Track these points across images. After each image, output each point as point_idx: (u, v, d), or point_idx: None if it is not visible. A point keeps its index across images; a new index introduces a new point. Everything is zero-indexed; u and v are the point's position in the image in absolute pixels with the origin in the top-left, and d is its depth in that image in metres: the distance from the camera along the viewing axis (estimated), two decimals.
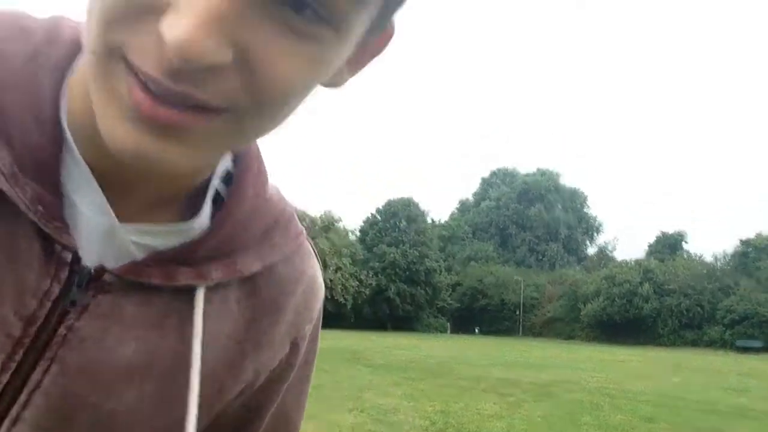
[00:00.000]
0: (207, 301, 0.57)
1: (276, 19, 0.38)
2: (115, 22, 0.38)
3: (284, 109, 0.43)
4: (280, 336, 0.65)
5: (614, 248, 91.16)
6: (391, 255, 61.11)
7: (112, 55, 0.39)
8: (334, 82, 0.48)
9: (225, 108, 0.40)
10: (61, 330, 0.51)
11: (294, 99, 0.43)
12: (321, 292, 0.71)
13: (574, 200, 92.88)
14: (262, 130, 0.45)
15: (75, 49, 0.51)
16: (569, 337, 61.04)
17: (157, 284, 0.54)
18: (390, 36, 0.49)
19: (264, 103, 0.41)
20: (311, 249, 0.70)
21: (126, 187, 0.52)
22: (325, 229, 58.34)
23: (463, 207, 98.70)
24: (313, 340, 0.71)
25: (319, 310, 0.71)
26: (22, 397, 0.50)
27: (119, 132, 0.39)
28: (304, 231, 0.67)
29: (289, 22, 0.39)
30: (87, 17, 0.40)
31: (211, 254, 0.56)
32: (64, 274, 0.50)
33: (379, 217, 65.75)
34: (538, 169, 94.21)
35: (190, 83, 0.38)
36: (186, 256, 0.55)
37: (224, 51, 0.37)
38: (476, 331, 66.88)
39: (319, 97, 0.42)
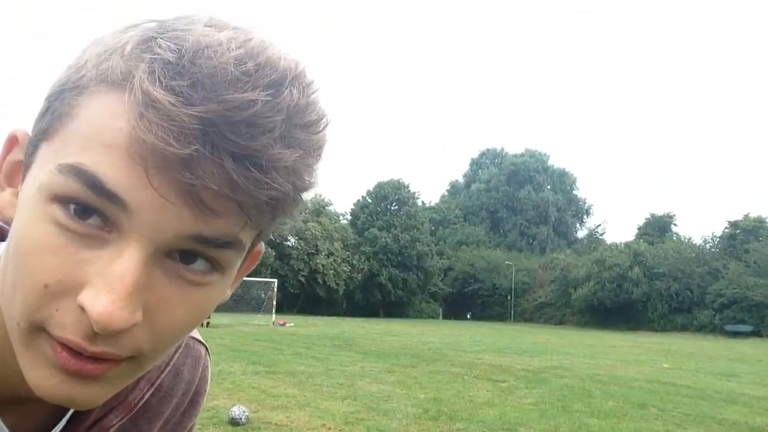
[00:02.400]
0: None
1: (171, 273, 0.44)
2: (37, 305, 0.42)
3: (177, 343, 0.50)
4: None
5: (604, 231, 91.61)
6: (383, 239, 61.01)
7: (35, 328, 0.43)
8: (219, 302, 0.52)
9: (130, 356, 0.45)
10: None
11: (186, 334, 0.48)
12: (207, 387, 0.75)
13: (563, 181, 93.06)
14: (158, 361, 0.50)
15: None
16: (560, 322, 61.35)
17: None
18: (260, 252, 0.55)
19: (162, 346, 0.47)
20: (200, 349, 0.73)
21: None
22: (316, 212, 58.02)
23: (454, 189, 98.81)
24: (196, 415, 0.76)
25: (204, 400, 0.76)
26: None
27: (50, 383, 0.44)
28: (195, 332, 0.69)
29: (182, 274, 0.44)
30: (9, 290, 0.45)
31: (106, 404, 0.60)
32: None
33: (369, 200, 65.51)
34: (527, 150, 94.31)
35: (106, 344, 0.43)
36: (83, 422, 0.59)
37: (137, 314, 0.42)
38: (468, 316, 67.10)
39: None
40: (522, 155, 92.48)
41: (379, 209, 64.33)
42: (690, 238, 66.45)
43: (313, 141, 0.44)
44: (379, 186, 65.22)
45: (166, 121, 0.38)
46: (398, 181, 65.55)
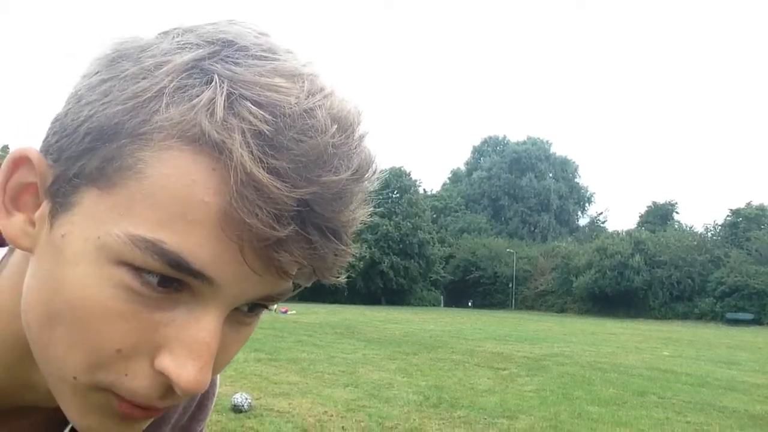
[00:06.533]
0: None
1: (233, 321, 0.44)
2: (106, 367, 0.41)
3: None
4: None
5: (606, 219, 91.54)
6: (384, 227, 60.90)
7: (97, 387, 0.42)
8: None
9: None
10: None
11: None
12: (216, 389, 0.73)
13: (565, 169, 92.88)
14: None
15: None
16: (561, 309, 61.35)
17: None
18: None
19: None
20: None
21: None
22: None
23: (455, 177, 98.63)
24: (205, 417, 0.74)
25: (213, 403, 0.74)
26: None
27: (98, 428, 0.44)
28: None
29: (240, 319, 0.45)
30: (62, 347, 0.41)
31: None
32: None
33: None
34: (529, 138, 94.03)
35: (175, 396, 0.43)
36: None
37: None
38: (469, 304, 67.13)
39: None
40: (524, 143, 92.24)
41: (380, 197, 63.29)
42: (692, 226, 66.63)
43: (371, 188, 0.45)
44: (381, 173, 65.01)
45: (270, 204, 0.37)
46: (399, 169, 65.35)
